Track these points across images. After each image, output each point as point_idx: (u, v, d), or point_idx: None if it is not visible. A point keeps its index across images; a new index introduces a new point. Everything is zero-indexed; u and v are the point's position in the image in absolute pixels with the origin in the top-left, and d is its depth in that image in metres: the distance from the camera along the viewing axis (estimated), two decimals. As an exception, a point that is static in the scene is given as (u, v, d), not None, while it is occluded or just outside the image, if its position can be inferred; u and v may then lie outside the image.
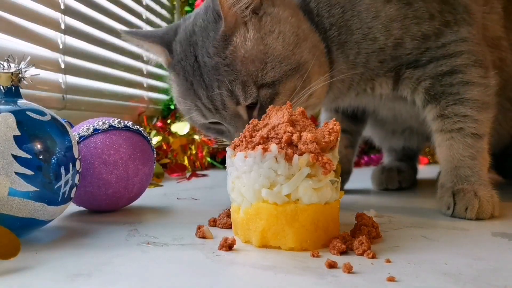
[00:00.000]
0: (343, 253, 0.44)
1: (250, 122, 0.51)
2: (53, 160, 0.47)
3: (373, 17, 0.67)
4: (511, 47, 0.80)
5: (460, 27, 0.68)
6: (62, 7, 0.98)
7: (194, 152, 1.22)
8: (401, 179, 0.92)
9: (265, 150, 0.45)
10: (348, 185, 0.89)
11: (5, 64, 0.50)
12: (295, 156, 0.45)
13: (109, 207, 0.64)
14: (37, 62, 0.86)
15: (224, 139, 0.70)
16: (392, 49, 0.68)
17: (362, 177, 0.96)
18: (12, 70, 0.49)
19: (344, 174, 0.88)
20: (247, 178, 0.46)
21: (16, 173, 0.45)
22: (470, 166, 0.66)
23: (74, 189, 0.52)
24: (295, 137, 0.45)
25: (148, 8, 1.47)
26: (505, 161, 0.98)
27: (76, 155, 0.51)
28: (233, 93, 0.61)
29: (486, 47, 0.73)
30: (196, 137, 1.25)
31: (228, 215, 0.56)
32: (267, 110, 0.53)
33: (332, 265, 0.40)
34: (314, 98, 0.68)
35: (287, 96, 0.63)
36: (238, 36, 0.62)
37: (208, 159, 1.25)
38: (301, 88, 0.64)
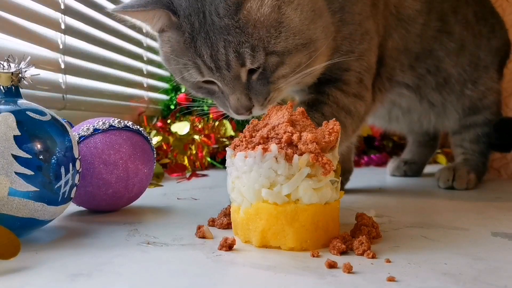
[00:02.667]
0: (343, 253, 0.44)
1: (250, 122, 0.51)
2: (53, 160, 0.47)
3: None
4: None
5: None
6: (62, 7, 0.98)
7: (194, 152, 1.22)
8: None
9: (265, 150, 0.45)
10: (348, 185, 0.89)
11: (5, 64, 0.50)
12: (295, 156, 0.45)
13: (109, 207, 0.64)
14: (37, 62, 0.86)
15: (212, 100, 0.71)
16: None
17: (362, 177, 0.96)
18: (12, 70, 0.49)
19: (346, 173, 0.89)
20: (247, 178, 0.46)
21: (16, 173, 0.45)
22: None
23: (74, 189, 0.52)
24: (295, 137, 0.46)
25: (148, 8, 1.47)
26: (503, 137, 1.02)
27: (76, 155, 0.51)
28: (240, 55, 0.61)
29: None
30: (196, 137, 1.25)
31: (226, 215, 0.56)
32: (267, 111, 0.53)
33: (332, 265, 0.40)
34: (309, 77, 0.70)
35: (291, 68, 0.64)
36: (253, 2, 0.62)
37: (208, 159, 1.25)
38: (306, 66, 0.65)
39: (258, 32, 0.61)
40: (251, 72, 0.64)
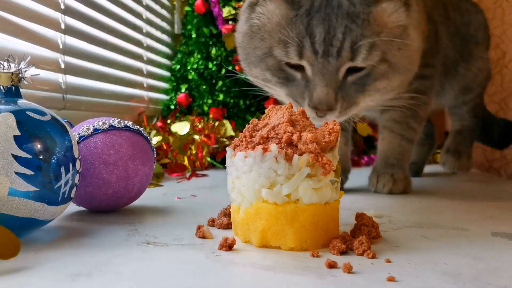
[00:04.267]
0: (343, 253, 0.44)
1: (250, 122, 0.51)
2: (53, 160, 0.47)
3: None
4: None
5: None
6: (62, 7, 0.98)
7: (194, 152, 1.22)
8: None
9: (265, 150, 0.45)
10: (348, 185, 0.89)
11: (5, 64, 0.50)
12: (295, 156, 0.45)
13: (109, 207, 0.64)
14: (37, 62, 0.86)
15: (279, 88, 0.66)
16: None
17: (362, 177, 0.96)
18: (12, 70, 0.49)
19: (346, 172, 0.89)
20: (247, 178, 0.46)
21: (16, 173, 0.45)
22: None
23: (74, 189, 0.52)
24: (295, 137, 0.46)
25: (148, 8, 1.47)
26: (490, 132, 1.10)
27: (76, 155, 0.51)
28: (356, 47, 0.59)
29: None
30: (196, 137, 1.25)
31: (226, 214, 0.56)
32: (267, 110, 0.53)
33: (332, 265, 0.40)
34: (387, 101, 0.71)
35: (390, 87, 0.65)
36: (389, 4, 0.61)
37: (208, 159, 1.25)
38: (402, 91, 0.67)
39: (382, 34, 0.60)
40: (349, 72, 0.62)
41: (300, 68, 0.63)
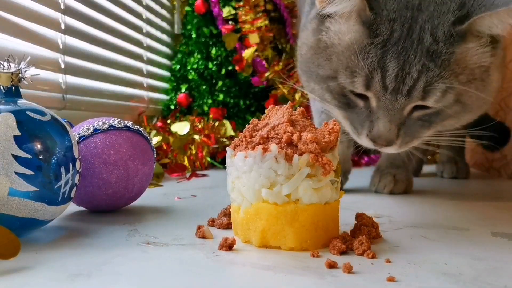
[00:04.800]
0: (343, 253, 0.44)
1: (250, 122, 0.51)
2: (53, 160, 0.47)
3: None
4: None
5: None
6: (62, 7, 0.98)
7: (194, 152, 1.22)
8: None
9: (265, 150, 0.45)
10: (349, 185, 0.89)
11: (5, 64, 0.50)
12: (295, 156, 0.45)
13: (109, 207, 0.64)
14: (37, 62, 0.86)
15: (337, 110, 0.63)
16: None
17: (362, 177, 0.96)
18: (12, 70, 0.49)
19: (346, 173, 0.88)
20: (247, 178, 0.46)
21: (16, 173, 0.45)
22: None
23: (74, 189, 0.52)
24: (295, 137, 0.46)
25: (148, 8, 1.47)
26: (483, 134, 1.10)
27: (76, 155, 0.51)
28: (430, 90, 0.55)
29: None
30: (196, 137, 1.25)
31: (226, 215, 0.56)
32: (267, 110, 0.53)
33: (332, 265, 0.40)
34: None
35: (458, 124, 0.62)
36: (476, 43, 0.56)
37: (208, 159, 1.25)
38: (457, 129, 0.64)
39: (461, 76, 0.56)
40: (416, 107, 0.59)
41: (364, 97, 0.60)
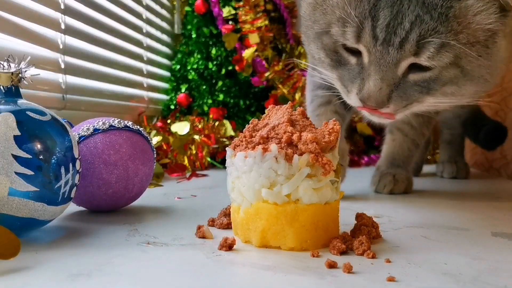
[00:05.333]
0: (343, 253, 0.44)
1: (250, 122, 0.51)
2: (53, 160, 0.47)
3: None
4: None
5: None
6: (62, 7, 0.98)
7: (194, 152, 1.22)
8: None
9: (265, 150, 0.45)
10: (348, 186, 0.89)
11: (5, 64, 0.50)
12: (295, 156, 0.45)
13: (109, 207, 0.64)
14: (37, 62, 0.86)
15: (331, 71, 0.60)
16: None
17: (362, 177, 0.96)
18: (12, 70, 0.49)
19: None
20: (247, 178, 0.46)
21: (16, 173, 0.45)
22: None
23: (74, 189, 0.52)
24: (295, 137, 0.45)
25: (148, 8, 1.47)
26: (479, 132, 1.10)
27: (76, 155, 0.51)
28: (423, 43, 0.51)
29: None
30: (196, 137, 1.25)
31: (226, 215, 0.56)
32: (267, 110, 0.53)
33: (332, 265, 0.40)
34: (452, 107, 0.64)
35: (459, 93, 0.57)
36: (478, 1, 0.52)
37: (208, 159, 1.25)
38: (469, 98, 0.59)
39: (461, 35, 0.51)
40: (412, 69, 0.54)
41: (356, 53, 0.56)
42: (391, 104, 0.56)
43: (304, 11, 0.62)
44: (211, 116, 1.42)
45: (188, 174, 1.08)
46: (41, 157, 0.46)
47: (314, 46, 0.62)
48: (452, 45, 0.51)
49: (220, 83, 1.46)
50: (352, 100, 0.58)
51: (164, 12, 1.62)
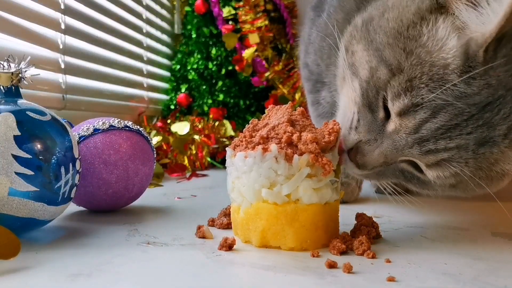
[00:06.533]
0: (343, 253, 0.44)
1: (250, 122, 0.51)
2: (53, 160, 0.47)
3: None
4: None
5: None
6: (62, 7, 0.98)
7: (194, 152, 1.22)
8: None
9: (265, 150, 0.45)
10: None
11: (5, 64, 0.50)
12: (295, 156, 0.45)
13: (109, 207, 0.64)
14: (37, 62, 0.86)
15: (351, 103, 0.53)
16: None
17: (362, 177, 0.96)
18: (12, 70, 0.49)
19: None
20: (247, 178, 0.46)
21: (16, 173, 0.45)
22: None
23: (74, 189, 0.52)
24: (295, 137, 0.45)
25: (148, 8, 1.47)
26: None
27: (76, 155, 0.51)
28: (441, 164, 0.47)
29: None
30: (196, 137, 1.25)
31: (226, 215, 0.56)
32: (267, 110, 0.53)
33: (332, 265, 0.40)
34: None
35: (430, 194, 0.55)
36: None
37: (208, 159, 1.25)
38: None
39: (480, 172, 0.48)
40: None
41: (388, 114, 0.49)
42: (364, 173, 0.52)
43: (387, 16, 0.51)
44: (211, 116, 1.42)
45: (188, 174, 1.08)
46: (41, 157, 0.46)
47: (363, 55, 0.52)
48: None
49: (220, 83, 1.46)
50: (349, 137, 0.52)
51: (164, 12, 1.62)
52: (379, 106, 0.50)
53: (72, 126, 0.63)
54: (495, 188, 0.53)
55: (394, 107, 0.47)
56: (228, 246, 0.45)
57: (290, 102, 0.53)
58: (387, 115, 0.49)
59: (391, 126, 0.49)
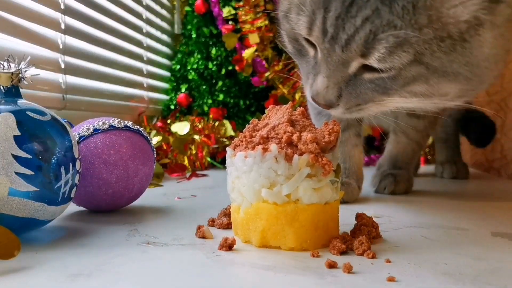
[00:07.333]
0: (343, 253, 0.44)
1: (250, 122, 0.51)
2: (53, 160, 0.47)
3: None
4: None
5: None
6: (62, 7, 0.98)
7: (194, 152, 1.22)
8: None
9: (265, 150, 0.45)
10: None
11: (5, 64, 0.50)
12: (295, 156, 0.45)
13: (109, 207, 0.64)
14: (37, 62, 0.86)
15: (294, 59, 0.53)
16: None
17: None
18: (12, 70, 0.49)
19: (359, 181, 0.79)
20: (247, 178, 0.46)
21: (16, 173, 0.45)
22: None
23: (74, 189, 0.52)
24: (295, 137, 0.46)
25: (148, 8, 1.47)
26: (468, 126, 1.10)
27: (76, 155, 0.51)
28: (372, 43, 0.43)
29: None
30: (196, 137, 1.25)
31: (226, 215, 0.56)
32: (267, 110, 0.53)
33: (332, 265, 0.40)
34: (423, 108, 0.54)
35: (429, 92, 0.48)
36: None
37: (208, 159, 1.25)
38: (447, 98, 0.50)
39: (426, 29, 0.43)
40: (367, 67, 0.47)
41: (314, 45, 0.50)
42: (341, 104, 0.49)
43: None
44: (211, 116, 1.42)
45: (188, 174, 1.08)
46: (41, 157, 0.46)
47: (283, 33, 0.55)
48: (412, 42, 0.43)
49: (220, 83, 1.46)
50: (308, 96, 0.52)
51: (164, 12, 1.62)
52: (303, 45, 0.50)
53: (72, 126, 0.63)
54: (486, 49, 0.47)
55: (311, 35, 0.47)
56: (228, 246, 0.45)
57: (290, 102, 0.52)
58: (314, 49, 0.50)
59: (317, 52, 0.49)
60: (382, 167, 0.87)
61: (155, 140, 1.15)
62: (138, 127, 0.66)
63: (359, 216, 0.52)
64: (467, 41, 0.46)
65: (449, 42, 0.45)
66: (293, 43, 0.52)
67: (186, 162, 1.19)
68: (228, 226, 0.54)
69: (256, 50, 1.41)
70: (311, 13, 0.46)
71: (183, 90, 1.50)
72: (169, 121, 1.38)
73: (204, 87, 1.47)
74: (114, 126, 0.62)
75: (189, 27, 1.54)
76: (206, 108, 1.45)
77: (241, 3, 1.43)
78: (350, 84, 0.48)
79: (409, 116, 0.79)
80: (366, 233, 0.48)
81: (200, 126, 1.31)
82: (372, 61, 0.45)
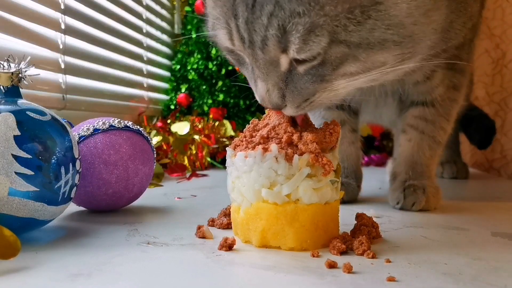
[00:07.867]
0: (343, 253, 0.44)
1: (250, 122, 0.51)
2: (53, 160, 0.47)
3: None
4: None
5: None
6: (62, 7, 0.98)
7: (194, 152, 1.22)
8: None
9: (265, 150, 0.45)
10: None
11: (5, 64, 0.50)
12: (295, 156, 0.45)
13: (109, 207, 0.64)
14: (37, 62, 0.86)
15: (244, 72, 0.52)
16: None
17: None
18: (12, 70, 0.49)
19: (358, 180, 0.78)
20: (247, 178, 0.46)
21: (16, 173, 0.45)
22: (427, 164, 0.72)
23: (74, 189, 0.52)
24: (295, 137, 0.46)
25: (148, 8, 1.47)
26: (469, 126, 1.09)
27: (76, 155, 0.51)
28: (285, 37, 0.42)
29: None
30: (196, 137, 1.25)
31: (226, 215, 0.56)
32: (267, 110, 0.53)
33: (332, 265, 0.40)
34: (390, 75, 0.50)
35: (365, 67, 0.46)
36: None
37: (208, 159, 1.25)
38: (391, 66, 0.47)
39: (327, 7, 0.41)
40: (300, 61, 0.45)
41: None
42: (288, 104, 0.47)
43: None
44: (211, 116, 1.42)
45: (188, 174, 1.08)
46: (41, 157, 0.46)
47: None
48: (321, 23, 0.41)
49: (220, 83, 1.46)
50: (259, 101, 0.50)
51: (164, 12, 1.62)
52: (240, 55, 0.49)
53: (72, 126, 0.63)
54: (403, 4, 0.45)
55: (234, 45, 0.47)
56: (228, 246, 0.45)
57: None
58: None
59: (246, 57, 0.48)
60: (398, 175, 0.73)
61: (155, 140, 1.15)
62: (138, 127, 0.66)
63: (359, 216, 0.52)
64: (379, 3, 0.43)
65: (359, 11, 0.43)
66: (230, 55, 0.51)
67: (186, 162, 1.19)
68: (228, 226, 0.54)
69: (256, 50, 1.41)
70: (226, 24, 0.46)
71: (183, 90, 1.50)
72: (169, 121, 1.38)
73: (204, 87, 1.47)
74: (114, 126, 0.62)
75: (189, 27, 1.54)
76: (206, 108, 1.45)
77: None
78: (289, 82, 0.47)
79: (415, 92, 0.70)
80: (366, 233, 0.48)
81: (200, 126, 1.31)
82: (293, 54, 0.44)
